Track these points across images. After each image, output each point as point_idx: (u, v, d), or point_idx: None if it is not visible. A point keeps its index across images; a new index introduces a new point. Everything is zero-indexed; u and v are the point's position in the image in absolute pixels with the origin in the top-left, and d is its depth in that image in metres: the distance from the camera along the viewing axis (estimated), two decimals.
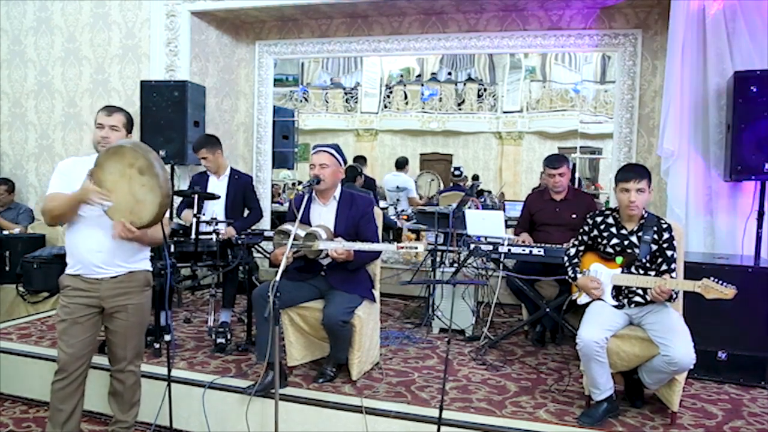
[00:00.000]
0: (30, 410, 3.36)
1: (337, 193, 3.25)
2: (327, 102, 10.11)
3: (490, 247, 3.79)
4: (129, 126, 2.64)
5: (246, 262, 3.81)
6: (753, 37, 3.81)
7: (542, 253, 3.67)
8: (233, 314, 4.17)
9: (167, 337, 2.64)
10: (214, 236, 3.74)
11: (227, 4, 5.23)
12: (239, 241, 3.80)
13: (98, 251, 2.47)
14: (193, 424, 3.08)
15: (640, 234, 2.86)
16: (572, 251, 3.09)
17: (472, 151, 9.80)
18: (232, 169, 4.29)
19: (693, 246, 3.95)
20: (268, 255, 4.70)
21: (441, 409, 2.56)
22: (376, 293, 3.38)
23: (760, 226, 3.75)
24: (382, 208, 4.98)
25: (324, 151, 3.18)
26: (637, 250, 2.85)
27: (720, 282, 2.55)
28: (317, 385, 3.13)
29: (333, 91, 10.12)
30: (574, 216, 3.92)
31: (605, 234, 2.96)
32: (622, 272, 2.87)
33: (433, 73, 10.08)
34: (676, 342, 2.63)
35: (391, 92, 9.99)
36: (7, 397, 3.50)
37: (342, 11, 5.36)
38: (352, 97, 10.05)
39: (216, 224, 3.77)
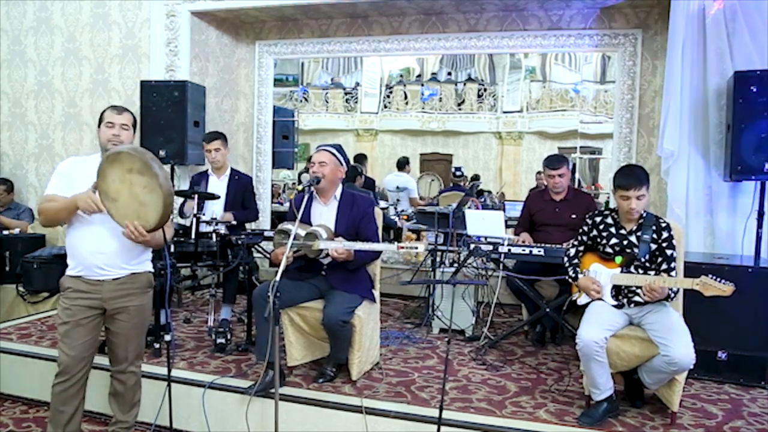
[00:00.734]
0: (30, 410, 3.36)
1: (338, 193, 3.25)
2: (327, 102, 10.10)
3: (490, 247, 3.79)
4: (135, 126, 2.67)
5: (246, 262, 3.81)
6: (753, 37, 3.81)
7: (542, 253, 3.67)
8: (233, 314, 4.17)
9: (167, 337, 2.64)
10: (213, 234, 3.74)
11: (227, 4, 5.23)
12: (239, 241, 3.80)
13: (100, 253, 2.47)
14: (193, 424, 3.08)
15: (639, 234, 2.86)
16: (572, 251, 3.10)
17: (472, 151, 9.79)
18: (232, 169, 4.30)
19: (693, 246, 3.95)
20: (268, 255, 4.70)
21: (441, 409, 2.56)
22: (376, 293, 3.38)
23: (760, 226, 3.75)
24: (382, 208, 4.98)
25: (325, 150, 3.21)
26: (636, 250, 2.85)
27: (718, 279, 2.55)
28: (317, 385, 3.13)
29: (333, 91, 10.12)
30: (573, 216, 3.92)
31: (604, 234, 2.96)
32: (622, 272, 2.87)
33: (433, 73, 10.07)
34: (676, 342, 2.63)
35: (391, 92, 9.99)
36: (7, 397, 3.50)
37: (342, 11, 5.36)
38: (352, 97, 10.05)
39: (216, 224, 3.77)
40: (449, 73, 9.99)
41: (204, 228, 3.76)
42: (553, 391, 3.18)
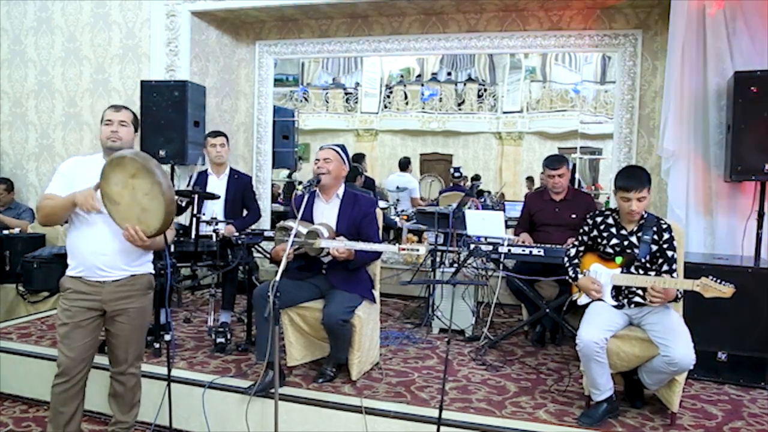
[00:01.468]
0: (30, 410, 3.36)
1: (341, 191, 3.27)
2: (327, 102, 10.10)
3: (490, 248, 3.79)
4: (136, 123, 2.66)
5: (246, 262, 3.81)
6: (753, 38, 3.81)
7: (542, 253, 3.67)
8: (233, 314, 4.17)
9: (167, 337, 2.64)
10: (213, 235, 3.74)
11: (227, 4, 5.23)
12: (239, 241, 3.80)
13: (102, 254, 2.46)
14: (193, 424, 3.08)
15: (639, 234, 2.86)
16: (572, 251, 3.10)
17: (472, 152, 9.78)
18: (231, 169, 4.30)
19: (693, 246, 3.95)
20: (268, 255, 4.70)
21: (441, 410, 2.56)
22: (376, 293, 3.38)
23: (760, 226, 3.75)
24: (383, 209, 4.98)
25: (329, 148, 3.24)
26: (636, 251, 2.85)
27: (718, 281, 2.55)
28: (317, 385, 3.13)
29: (333, 91, 10.12)
30: (573, 216, 3.92)
31: (605, 234, 2.96)
32: (622, 272, 2.87)
33: (433, 74, 10.07)
34: (676, 342, 2.63)
35: (391, 92, 9.98)
36: (7, 397, 3.50)
37: (342, 11, 5.36)
38: (352, 97, 10.05)
39: (216, 224, 3.77)
40: (449, 74, 9.99)
41: (204, 228, 3.76)
42: (552, 392, 3.18)
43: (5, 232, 5.37)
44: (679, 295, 2.74)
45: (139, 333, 2.63)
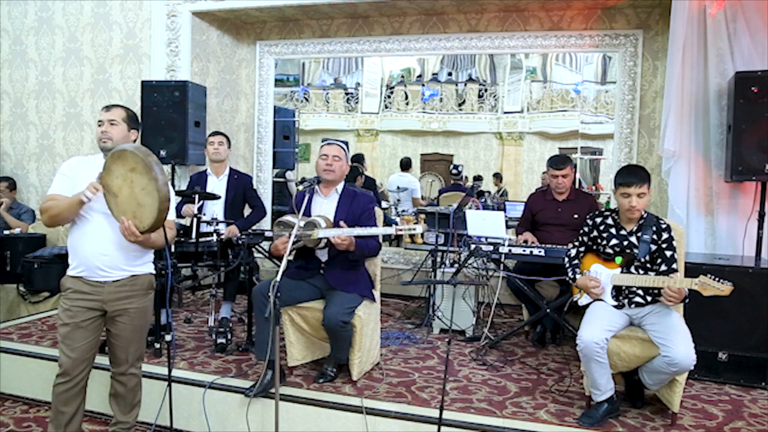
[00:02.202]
0: (30, 410, 3.37)
1: (340, 187, 3.27)
2: (328, 102, 10.10)
3: (491, 248, 3.79)
4: (130, 121, 2.62)
5: (246, 262, 3.81)
6: (754, 38, 3.81)
7: (543, 253, 3.66)
8: (233, 314, 4.17)
9: (168, 337, 2.64)
10: (214, 237, 3.74)
11: (228, 4, 5.23)
12: (240, 241, 3.81)
13: (103, 254, 2.46)
14: (193, 424, 3.09)
15: (639, 234, 2.86)
16: (573, 252, 3.10)
17: (473, 152, 9.78)
18: (231, 169, 4.31)
19: (694, 246, 3.95)
20: (268, 255, 4.70)
21: (441, 410, 2.56)
22: (377, 293, 3.38)
23: (760, 226, 3.75)
24: (383, 209, 4.98)
25: (335, 144, 3.24)
26: (636, 250, 2.85)
27: (717, 279, 2.54)
28: (318, 385, 3.13)
29: (334, 92, 10.12)
30: (575, 216, 3.92)
31: (605, 235, 2.96)
32: (622, 272, 2.87)
33: (433, 74, 10.07)
34: (676, 342, 2.63)
35: (391, 92, 9.99)
36: (7, 397, 3.50)
37: (343, 11, 5.37)
38: (352, 97, 10.05)
39: (216, 224, 3.77)
40: (450, 74, 9.99)
41: (204, 228, 3.76)
42: (553, 392, 3.18)
43: (5, 232, 5.38)
44: (687, 296, 2.73)
45: (140, 333, 2.63)
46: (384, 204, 6.96)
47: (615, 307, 2.89)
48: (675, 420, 2.82)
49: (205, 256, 3.78)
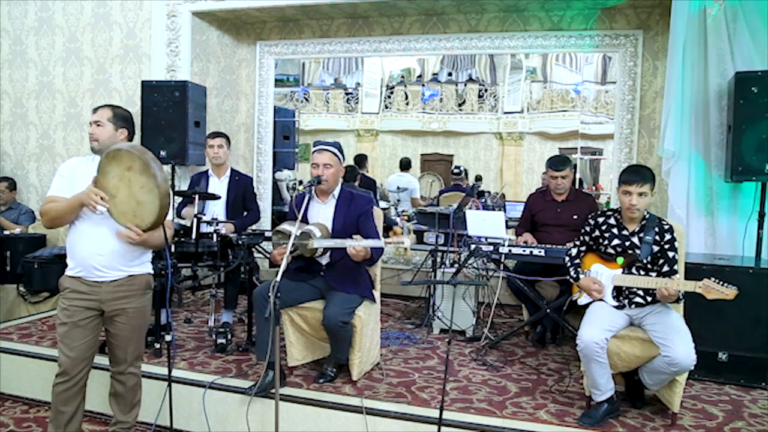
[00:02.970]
0: (30, 410, 3.37)
1: (337, 191, 3.24)
2: (328, 102, 10.11)
3: (491, 248, 3.79)
4: (117, 120, 2.57)
5: (247, 263, 3.81)
6: (754, 38, 3.81)
7: (543, 253, 3.66)
8: (234, 315, 4.17)
9: (168, 337, 2.64)
10: (214, 236, 3.74)
11: (228, 4, 5.23)
12: (240, 242, 3.81)
13: (99, 254, 2.46)
14: (193, 425, 3.09)
15: (641, 235, 2.86)
16: (573, 251, 3.10)
17: (473, 152, 9.80)
18: (232, 169, 4.31)
19: (694, 247, 3.95)
20: (268, 255, 4.70)
21: (441, 410, 2.56)
22: (377, 293, 3.38)
23: (760, 227, 3.75)
24: (383, 209, 4.98)
25: (327, 150, 3.14)
26: (638, 251, 2.85)
27: (721, 282, 2.54)
28: (318, 385, 3.13)
29: (334, 92, 10.13)
30: (575, 217, 3.92)
31: (606, 235, 2.96)
32: (623, 273, 2.87)
33: (433, 74, 10.08)
34: (676, 343, 2.63)
35: (391, 93, 10.00)
36: (7, 397, 3.50)
37: (343, 12, 5.37)
38: (352, 97, 10.06)
39: (216, 224, 3.77)
40: (450, 74, 10.00)
41: (205, 228, 3.76)
42: (553, 392, 3.18)
43: (5, 232, 5.38)
44: (680, 297, 2.74)
45: (138, 333, 2.63)
46: (384, 204, 6.96)
47: (615, 307, 2.89)
48: (675, 420, 2.82)
49: (205, 256, 3.78)
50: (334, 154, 3.15)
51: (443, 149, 9.86)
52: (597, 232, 3.01)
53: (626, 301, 2.89)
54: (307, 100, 9.92)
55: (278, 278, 2.36)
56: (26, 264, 4.97)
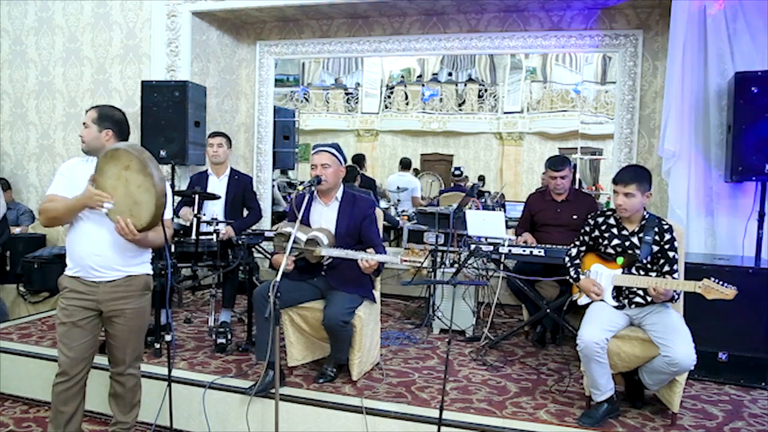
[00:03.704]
0: (30, 410, 3.37)
1: (339, 193, 3.23)
2: (328, 102, 10.10)
3: (491, 248, 3.79)
4: (101, 120, 2.54)
5: (246, 263, 3.81)
6: (754, 38, 3.81)
7: (542, 253, 3.66)
8: (233, 314, 4.17)
9: (168, 337, 2.63)
10: (213, 236, 3.74)
11: (228, 4, 5.23)
12: (240, 242, 3.81)
13: (97, 254, 2.46)
14: (193, 425, 3.09)
15: (641, 235, 2.86)
16: (573, 251, 3.10)
17: (473, 152, 9.78)
18: (231, 169, 4.30)
19: (694, 247, 3.95)
20: (268, 255, 4.70)
21: (441, 410, 2.56)
22: (377, 293, 3.37)
23: (760, 227, 3.75)
24: (383, 208, 4.98)
25: (325, 151, 3.15)
26: (638, 251, 2.85)
27: (720, 282, 2.55)
28: (317, 385, 3.13)
29: (334, 92, 10.12)
30: (575, 217, 3.92)
31: (606, 235, 2.96)
32: (623, 273, 2.87)
33: (433, 74, 10.07)
34: (676, 343, 2.63)
35: (391, 93, 9.99)
36: (7, 397, 3.50)
37: (343, 12, 5.37)
38: (352, 97, 10.05)
39: (216, 224, 3.77)
40: (450, 74, 9.99)
41: (204, 228, 3.76)
42: (553, 392, 3.18)
43: None
44: (676, 296, 2.74)
45: (137, 334, 2.62)
46: (384, 204, 6.96)
47: (615, 307, 2.89)
48: (675, 420, 2.82)
49: (205, 256, 3.78)
50: (332, 154, 3.15)
51: (443, 149, 9.85)
52: (597, 232, 3.01)
53: (626, 301, 2.90)
54: (307, 100, 9.91)
55: (278, 278, 2.36)
56: (26, 264, 4.97)
